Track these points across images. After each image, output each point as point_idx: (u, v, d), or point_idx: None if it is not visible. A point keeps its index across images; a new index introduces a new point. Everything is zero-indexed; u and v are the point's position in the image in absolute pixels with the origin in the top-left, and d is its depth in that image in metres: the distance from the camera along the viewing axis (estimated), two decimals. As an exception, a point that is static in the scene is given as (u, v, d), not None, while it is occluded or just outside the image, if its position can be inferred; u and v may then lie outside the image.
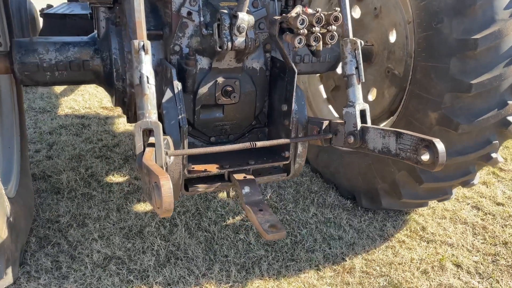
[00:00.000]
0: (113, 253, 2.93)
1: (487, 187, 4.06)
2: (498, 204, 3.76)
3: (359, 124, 2.26)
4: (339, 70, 3.71)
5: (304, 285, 2.75)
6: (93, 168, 4.05)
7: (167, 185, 1.54)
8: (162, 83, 2.50)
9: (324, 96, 4.10)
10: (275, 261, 2.94)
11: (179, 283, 2.71)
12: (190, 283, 2.70)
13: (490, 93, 2.54)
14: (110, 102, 6.01)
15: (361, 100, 2.31)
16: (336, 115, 4.02)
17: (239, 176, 2.47)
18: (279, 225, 2.17)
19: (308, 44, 2.20)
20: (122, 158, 4.30)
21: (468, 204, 3.75)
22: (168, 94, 2.29)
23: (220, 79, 2.55)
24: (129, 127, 5.13)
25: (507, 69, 2.49)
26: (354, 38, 2.31)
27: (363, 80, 2.33)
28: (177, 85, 2.29)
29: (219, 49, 2.32)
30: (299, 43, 2.17)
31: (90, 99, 6.11)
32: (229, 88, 2.57)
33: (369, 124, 2.31)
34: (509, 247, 3.17)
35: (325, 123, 2.44)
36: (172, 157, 2.17)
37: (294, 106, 2.48)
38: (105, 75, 2.75)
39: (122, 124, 5.20)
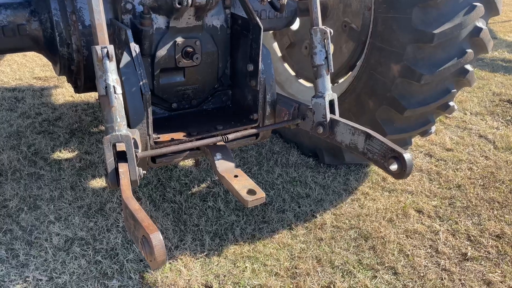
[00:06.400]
0: (74, 234, 2.74)
1: (436, 134, 4.25)
2: (448, 150, 3.97)
3: (328, 116, 2.28)
4: (295, 26, 3.61)
5: (279, 245, 2.75)
6: (36, 145, 3.71)
7: (159, 245, 1.44)
8: (115, 46, 2.27)
9: (279, 54, 4.00)
10: (247, 225, 2.90)
11: (151, 258, 2.59)
12: (163, 257, 2.60)
13: (451, 42, 2.58)
14: (42, 71, 5.51)
15: (330, 91, 2.31)
16: (292, 73, 3.95)
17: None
18: (257, 189, 2.11)
19: (277, -3, 2.07)
20: (67, 132, 3.97)
21: (421, 152, 3.92)
22: (125, 59, 2.08)
23: (180, 40, 2.37)
24: (70, 98, 4.73)
25: (467, 17, 2.52)
26: (323, 27, 2.27)
27: (332, 70, 2.32)
28: (135, 47, 2.09)
29: (178, 6, 2.13)
30: (267, -4, 2.03)
31: (19, 69, 5.54)
32: (190, 49, 2.40)
33: (337, 114, 2.32)
34: (463, 190, 3.37)
35: (295, 106, 2.41)
36: (137, 131, 2.02)
37: (260, 65, 2.36)
38: (46, 41, 2.45)
39: (61, 95, 4.78)
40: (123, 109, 1.83)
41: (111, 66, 1.78)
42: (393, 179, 3.47)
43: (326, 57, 2.29)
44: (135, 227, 1.56)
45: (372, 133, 2.12)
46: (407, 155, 1.96)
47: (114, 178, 1.75)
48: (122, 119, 1.81)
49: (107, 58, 1.76)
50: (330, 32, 2.27)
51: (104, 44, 1.78)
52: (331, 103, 2.32)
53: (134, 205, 1.60)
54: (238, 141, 2.53)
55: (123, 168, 1.75)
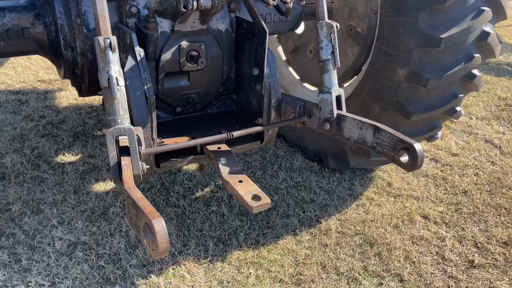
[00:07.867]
0: (77, 239, 2.72)
1: (441, 139, 4.21)
2: (454, 155, 3.93)
3: (335, 112, 2.23)
4: (299, 30, 3.59)
5: (283, 251, 2.72)
6: (40, 149, 3.70)
7: (162, 231, 1.42)
8: (120, 50, 2.25)
9: (284, 57, 3.98)
10: (251, 230, 2.87)
11: (154, 263, 2.57)
12: (166, 262, 2.58)
13: (458, 47, 2.55)
14: (47, 74, 5.51)
15: (337, 86, 2.27)
16: (296, 77, 3.93)
17: (212, 147, 2.33)
18: (262, 194, 2.08)
19: (283, 1, 2.05)
20: (71, 135, 3.97)
21: (426, 157, 3.89)
22: (130, 62, 2.06)
23: (184, 43, 2.35)
24: (74, 101, 4.73)
25: (474, 22, 2.50)
26: (330, 21, 2.23)
27: (339, 65, 2.28)
28: (139, 51, 2.07)
29: (183, 9, 2.12)
30: None
31: (23, 72, 5.54)
32: (195, 53, 2.38)
33: (343, 109, 2.28)
34: (469, 195, 3.33)
35: (300, 104, 2.38)
36: (141, 128, 1.99)
37: (266, 69, 2.35)
38: (50, 44, 2.44)
39: (65, 98, 4.78)
40: (126, 101, 1.79)
41: (113, 57, 1.74)
42: (398, 184, 3.44)
43: (333, 52, 2.25)
44: (137, 216, 1.52)
45: (381, 125, 2.07)
46: (417, 146, 1.90)
47: (117, 172, 1.71)
48: (125, 112, 1.76)
49: (109, 49, 1.73)
50: (337, 26, 2.23)
51: (106, 35, 1.75)
52: (338, 98, 2.27)
53: (136, 194, 1.55)
54: (243, 146, 2.51)
55: (125, 160, 1.71)
